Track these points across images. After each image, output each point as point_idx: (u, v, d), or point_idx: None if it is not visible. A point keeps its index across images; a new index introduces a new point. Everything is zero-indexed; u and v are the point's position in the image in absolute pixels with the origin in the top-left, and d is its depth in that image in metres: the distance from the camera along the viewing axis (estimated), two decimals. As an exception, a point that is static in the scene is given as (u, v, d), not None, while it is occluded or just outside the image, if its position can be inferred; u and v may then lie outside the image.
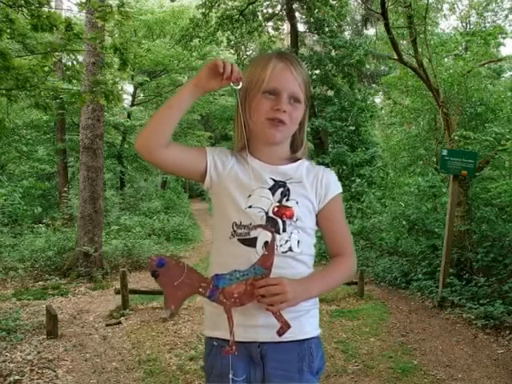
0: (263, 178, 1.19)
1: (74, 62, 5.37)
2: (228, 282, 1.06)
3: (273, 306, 1.07)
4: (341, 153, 11.84)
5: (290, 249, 1.16)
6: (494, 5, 17.19)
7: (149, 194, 15.88)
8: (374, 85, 13.98)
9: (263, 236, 1.13)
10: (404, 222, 7.14)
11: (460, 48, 8.79)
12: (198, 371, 3.43)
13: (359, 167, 11.55)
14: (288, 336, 1.11)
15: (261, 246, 1.13)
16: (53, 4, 8.20)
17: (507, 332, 4.32)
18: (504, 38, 9.26)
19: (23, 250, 7.99)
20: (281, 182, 1.20)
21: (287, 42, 14.67)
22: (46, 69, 4.60)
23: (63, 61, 9.23)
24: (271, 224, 1.14)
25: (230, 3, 11.30)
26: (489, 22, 17.42)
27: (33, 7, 4.00)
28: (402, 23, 7.23)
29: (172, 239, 11.62)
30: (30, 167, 13.25)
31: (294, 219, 1.17)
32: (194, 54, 12.99)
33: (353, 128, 12.55)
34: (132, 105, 16.07)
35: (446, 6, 17.12)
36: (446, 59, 8.02)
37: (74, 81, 5.54)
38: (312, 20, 12.26)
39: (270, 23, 13.26)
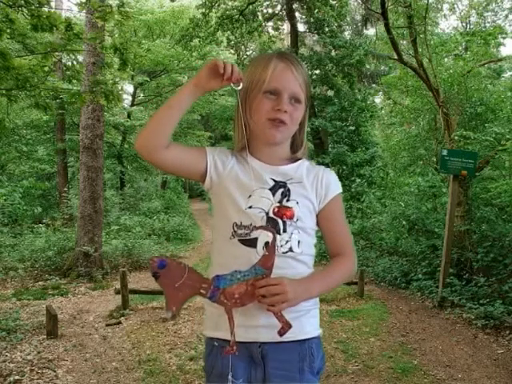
0: (263, 178, 1.19)
1: (74, 62, 5.37)
2: (229, 282, 1.06)
3: (274, 307, 1.07)
4: (341, 153, 11.84)
5: (291, 249, 1.16)
6: (493, 5, 17.19)
7: (149, 193, 15.88)
8: (374, 85, 13.98)
9: (264, 236, 1.12)
10: (404, 222, 7.14)
11: (460, 48, 8.79)
12: (198, 371, 3.44)
13: (359, 167, 11.55)
14: (289, 336, 1.11)
15: (261, 246, 1.13)
16: (53, 4, 8.21)
17: (507, 332, 4.32)
18: (504, 38, 9.26)
19: (23, 249, 7.99)
20: (281, 182, 1.20)
21: (287, 41, 14.67)
22: (46, 69, 4.60)
23: (63, 61, 9.22)
24: (271, 224, 1.14)
25: (230, 3, 11.29)
26: (489, 22, 17.43)
27: (33, 7, 4.00)
28: (402, 23, 7.23)
29: (172, 239, 11.62)
30: (30, 167, 13.25)
31: (295, 219, 1.17)
32: (193, 53, 12.98)
33: (353, 128, 12.55)
34: (132, 105, 16.07)
35: (446, 6, 17.15)
36: (446, 59, 8.02)
37: (74, 81, 5.53)
38: (312, 20, 12.26)
39: (270, 23, 13.26)
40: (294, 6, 12.71)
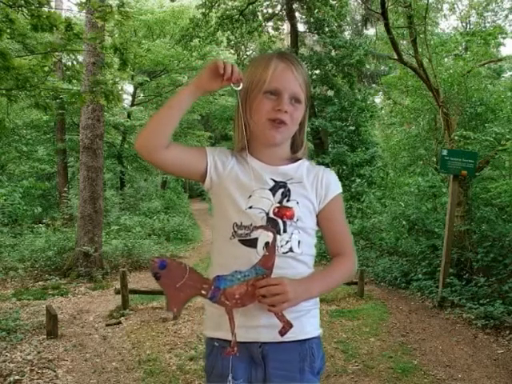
0: (263, 178, 1.19)
1: (74, 62, 5.37)
2: (229, 283, 1.06)
3: (274, 307, 1.07)
4: (341, 153, 11.84)
5: (291, 249, 1.16)
6: (493, 5, 17.19)
7: (149, 193, 15.88)
8: (374, 85, 13.98)
9: (264, 237, 1.13)
10: (404, 222, 7.14)
11: (460, 48, 8.79)
12: (198, 371, 3.44)
13: (359, 167, 11.55)
14: (289, 336, 1.11)
15: (261, 246, 1.13)
16: (53, 4, 8.21)
17: (507, 332, 4.32)
18: (504, 38, 9.26)
19: (23, 249, 7.98)
20: (281, 182, 1.20)
21: (287, 41, 14.67)
22: (46, 69, 4.60)
23: (63, 61, 9.22)
24: (272, 225, 1.14)
25: (230, 3, 11.29)
26: (489, 22, 17.43)
27: (33, 7, 4.00)
28: (402, 23, 7.23)
29: (172, 239, 11.62)
30: (30, 167, 13.25)
31: (295, 220, 1.17)
32: (193, 53, 12.98)
33: (353, 128, 12.55)
34: (132, 105, 16.07)
35: (446, 6, 17.15)
36: (446, 59, 8.02)
37: (74, 81, 5.53)
38: (312, 20, 12.26)
39: (270, 23, 13.26)
40: (294, 6, 12.71)
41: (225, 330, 1.10)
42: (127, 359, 3.82)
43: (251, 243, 1.14)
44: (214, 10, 10.99)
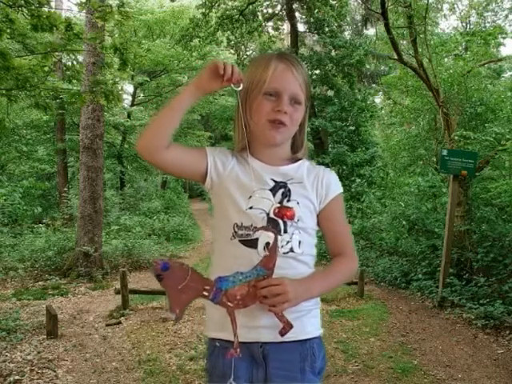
0: (264, 179, 1.19)
1: (74, 62, 5.37)
2: (231, 284, 1.06)
3: (275, 307, 1.07)
4: (341, 153, 11.84)
5: (292, 249, 1.16)
6: (494, 5, 17.19)
7: (149, 193, 15.88)
8: (374, 85, 13.97)
9: (264, 237, 1.12)
10: (404, 222, 7.14)
11: (460, 48, 8.79)
12: (198, 371, 3.44)
13: (359, 167, 11.55)
14: (290, 336, 1.11)
15: (262, 247, 1.13)
16: (53, 4, 8.20)
17: (507, 332, 4.32)
18: (504, 38, 9.26)
19: (23, 249, 7.99)
20: (281, 182, 1.20)
21: (287, 41, 14.67)
22: (46, 69, 4.60)
23: (63, 61, 9.22)
24: (272, 225, 1.14)
25: (230, 3, 11.29)
26: (489, 22, 17.43)
27: (33, 7, 4.00)
28: (402, 23, 7.23)
29: (172, 239, 11.62)
30: (30, 167, 13.25)
31: (295, 220, 1.17)
32: (193, 53, 12.98)
33: (353, 128, 12.55)
34: (132, 105, 16.06)
35: (446, 6, 17.14)
36: (446, 59, 8.02)
37: (74, 81, 5.53)
38: (312, 20, 12.26)
39: (270, 23, 13.26)
40: (294, 6, 12.71)
41: (226, 330, 1.09)
42: (127, 359, 3.82)
43: (252, 244, 1.14)
44: (213, 10, 10.98)
